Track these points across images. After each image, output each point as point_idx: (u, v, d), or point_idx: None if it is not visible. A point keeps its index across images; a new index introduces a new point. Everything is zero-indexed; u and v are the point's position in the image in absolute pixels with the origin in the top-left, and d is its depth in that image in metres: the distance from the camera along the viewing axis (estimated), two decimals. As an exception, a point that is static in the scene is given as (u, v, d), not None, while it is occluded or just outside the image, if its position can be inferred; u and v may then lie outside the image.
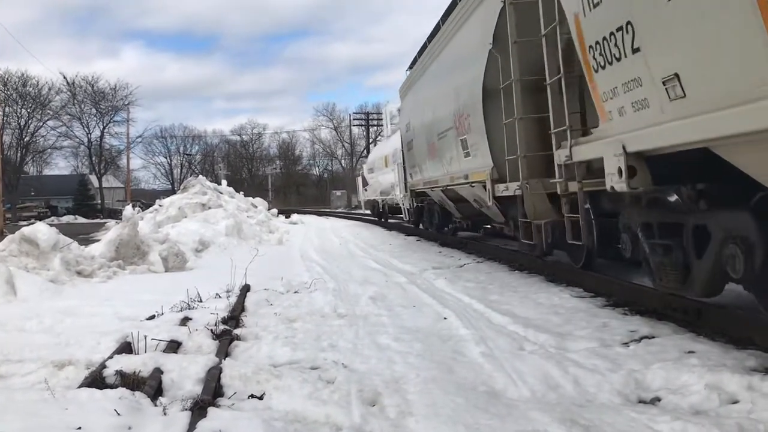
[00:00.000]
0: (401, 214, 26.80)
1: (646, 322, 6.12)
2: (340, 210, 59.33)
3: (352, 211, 54.51)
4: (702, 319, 5.84)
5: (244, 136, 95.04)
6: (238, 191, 26.81)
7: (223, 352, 5.23)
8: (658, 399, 4.14)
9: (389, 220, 29.14)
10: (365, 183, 34.65)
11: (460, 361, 5.18)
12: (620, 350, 5.23)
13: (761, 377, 4.15)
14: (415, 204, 20.26)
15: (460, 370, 4.94)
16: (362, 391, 4.27)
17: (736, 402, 3.89)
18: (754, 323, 5.34)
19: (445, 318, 6.91)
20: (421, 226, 20.91)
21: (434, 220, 18.21)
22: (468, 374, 4.82)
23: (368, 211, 35.57)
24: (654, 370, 4.51)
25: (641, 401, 4.15)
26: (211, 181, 25.70)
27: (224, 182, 27.11)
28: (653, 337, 5.54)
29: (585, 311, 6.89)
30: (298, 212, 39.90)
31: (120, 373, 4.42)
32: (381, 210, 30.18)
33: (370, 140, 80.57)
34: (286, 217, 30.90)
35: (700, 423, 3.58)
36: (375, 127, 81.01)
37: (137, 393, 4.02)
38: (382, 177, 28.84)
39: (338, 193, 73.98)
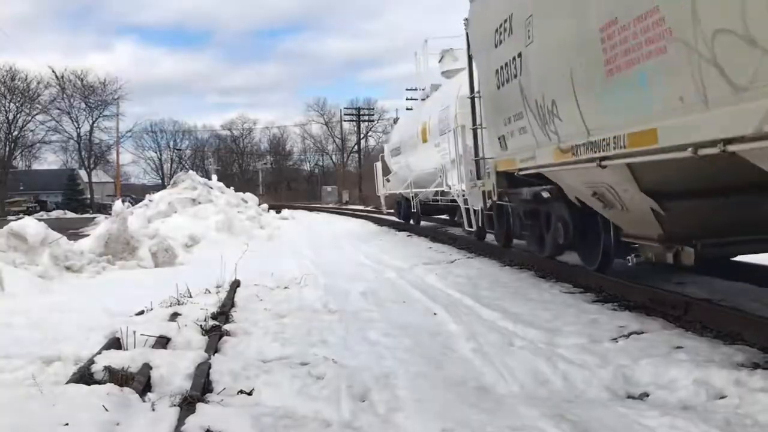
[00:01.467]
0: (442, 214, 19.87)
1: (635, 318, 6.15)
2: (331, 206, 59.23)
3: (343, 207, 54.43)
4: (690, 314, 5.87)
5: (234, 131, 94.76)
6: (228, 186, 26.65)
7: (213, 348, 5.21)
8: (647, 394, 4.17)
9: (420, 222, 20.66)
10: (386, 171, 23.49)
11: (449, 357, 5.19)
12: (609, 346, 5.25)
13: (748, 372, 4.18)
14: (492, 202, 10.54)
15: (449, 365, 4.95)
16: (352, 386, 4.27)
17: (723, 397, 3.92)
18: (742, 318, 5.38)
19: (435, 313, 6.92)
20: (494, 240, 12.22)
21: (552, 235, 8.85)
22: (457, 370, 4.83)
23: (389, 210, 25.15)
24: (642, 366, 4.54)
25: (630, 396, 4.18)
26: (202, 176, 25.59)
27: (214, 177, 26.93)
28: (642, 333, 5.56)
29: (574, 307, 6.91)
30: (289, 208, 39.76)
31: (108, 369, 4.39)
32: (414, 209, 20.05)
33: (361, 136, 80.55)
34: (277, 213, 30.81)
35: (688, 418, 3.60)
36: (366, 123, 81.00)
37: (125, 389, 3.99)
38: (417, 159, 18.20)
39: (329, 188, 73.83)
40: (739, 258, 8.58)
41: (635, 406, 3.91)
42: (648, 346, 5.11)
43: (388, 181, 22.86)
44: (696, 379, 4.14)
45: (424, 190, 17.88)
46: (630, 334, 5.58)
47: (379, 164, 24.18)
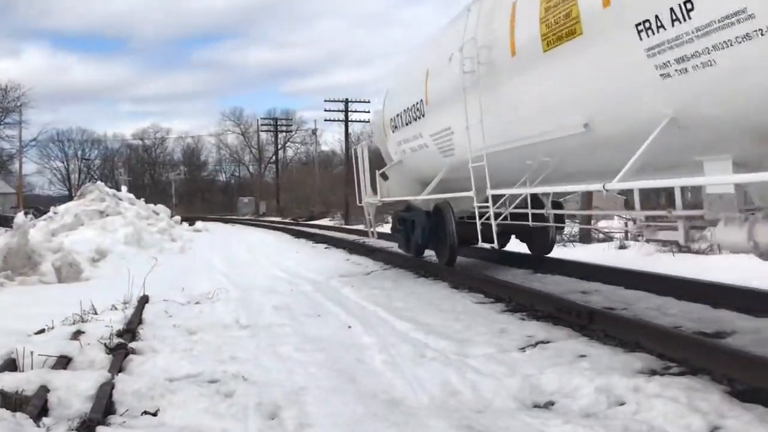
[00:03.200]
0: (476, 242, 8.63)
1: (542, 327, 6.32)
2: (247, 217, 58.40)
3: (260, 218, 53.76)
4: (594, 323, 6.09)
5: (146, 141, 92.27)
6: (139, 197, 25.94)
7: (117, 367, 5.02)
8: (552, 403, 4.28)
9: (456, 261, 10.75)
10: (380, 164, 13.11)
11: (362, 370, 5.18)
12: (517, 355, 5.38)
13: (646, 379, 4.36)
14: None
15: (361, 378, 4.94)
16: (261, 403, 4.20)
17: (623, 404, 4.07)
18: (641, 327, 5.62)
19: (349, 326, 6.90)
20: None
21: None
22: (369, 383, 4.83)
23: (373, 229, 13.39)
24: (548, 375, 4.66)
25: (536, 405, 4.27)
26: (111, 187, 24.76)
27: (124, 188, 26.12)
28: (549, 342, 5.73)
29: (485, 317, 7.05)
30: (203, 219, 38.93)
31: (0, 393, 4.15)
32: (453, 236, 9.90)
33: (279, 146, 79.85)
34: (190, 225, 30.16)
35: (589, 425, 3.72)
36: (284, 133, 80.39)
37: (18, 414, 3.77)
38: (510, 107, 7.03)
39: (245, 199, 72.88)
40: (641, 267, 9.05)
41: (540, 415, 4.00)
42: (554, 355, 5.26)
43: (384, 178, 11.96)
44: (597, 387, 4.29)
45: (524, 189, 7.28)
46: (537, 343, 5.73)
47: (363, 151, 13.11)
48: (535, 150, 6.78)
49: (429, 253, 11.74)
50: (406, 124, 10.75)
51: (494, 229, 7.68)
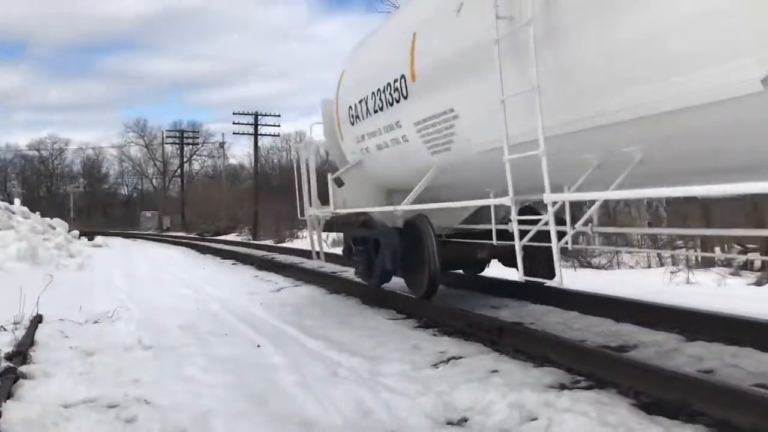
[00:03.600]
0: (470, 265, 9.64)
1: (454, 343, 6.34)
2: (150, 232, 56.56)
3: (164, 234, 52.20)
4: (504, 338, 6.15)
5: (43, 152, 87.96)
6: (34, 211, 24.67)
7: (4, 394, 4.65)
8: (465, 420, 4.26)
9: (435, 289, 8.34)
10: (327, 165, 12.45)
11: (273, 391, 5.01)
12: (430, 372, 5.36)
13: (556, 394, 4.42)
14: None
15: (272, 400, 4.78)
16: (165, 429, 4.00)
17: (535, 419, 4.09)
18: (549, 341, 5.72)
19: (258, 345, 6.71)
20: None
21: None
22: (281, 405, 4.67)
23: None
24: (461, 391, 4.66)
25: (449, 423, 4.25)
26: (2, 200, 23.42)
27: (18, 201, 24.80)
28: (461, 358, 5.74)
29: (397, 333, 7.02)
30: (104, 234, 37.39)
31: None
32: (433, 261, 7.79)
33: (185, 159, 77.85)
34: (90, 240, 28.88)
35: (503, 442, 3.72)
36: (190, 146, 78.47)
37: None
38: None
39: (149, 214, 70.55)
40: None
41: (455, 433, 3.98)
42: (466, 371, 5.27)
43: (339, 184, 9.35)
44: (510, 403, 4.31)
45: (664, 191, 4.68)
46: (449, 359, 5.73)
47: (306, 152, 10.46)
48: (631, 131, 4.26)
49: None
50: (375, 112, 8.05)
51: (556, 256, 4.68)
